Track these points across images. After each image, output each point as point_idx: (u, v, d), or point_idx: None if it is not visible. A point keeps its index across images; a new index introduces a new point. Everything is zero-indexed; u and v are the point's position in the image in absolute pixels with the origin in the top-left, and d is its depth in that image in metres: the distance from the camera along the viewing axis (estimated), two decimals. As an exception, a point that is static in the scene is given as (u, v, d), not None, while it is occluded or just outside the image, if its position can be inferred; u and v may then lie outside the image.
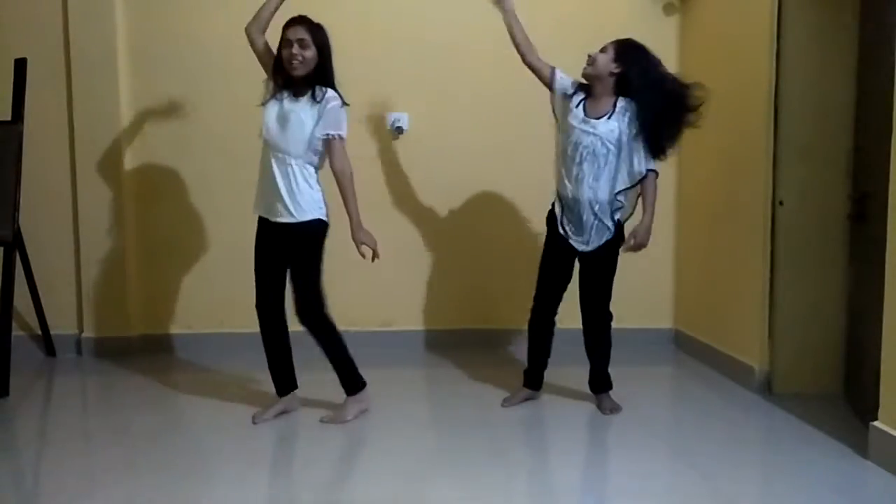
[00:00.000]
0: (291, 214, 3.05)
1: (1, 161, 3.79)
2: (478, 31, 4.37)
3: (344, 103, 3.08)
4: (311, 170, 3.10)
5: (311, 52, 3.03)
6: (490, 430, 3.15)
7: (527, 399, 3.46)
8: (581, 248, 3.23)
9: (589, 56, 3.15)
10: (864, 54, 3.31)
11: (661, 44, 4.41)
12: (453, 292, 4.52)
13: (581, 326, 3.34)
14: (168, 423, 3.22)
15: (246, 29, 3.16)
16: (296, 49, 3.01)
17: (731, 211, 3.90)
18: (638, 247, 3.18)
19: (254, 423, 3.16)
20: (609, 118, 3.12)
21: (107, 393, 3.76)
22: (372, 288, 4.38)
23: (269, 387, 3.31)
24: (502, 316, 4.42)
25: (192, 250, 4.39)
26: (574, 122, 3.16)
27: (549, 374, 3.50)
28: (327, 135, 3.04)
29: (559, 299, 3.35)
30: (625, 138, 3.11)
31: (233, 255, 4.38)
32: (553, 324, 3.40)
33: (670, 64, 4.44)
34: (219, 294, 4.40)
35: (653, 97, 3.08)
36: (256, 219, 3.21)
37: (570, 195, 3.18)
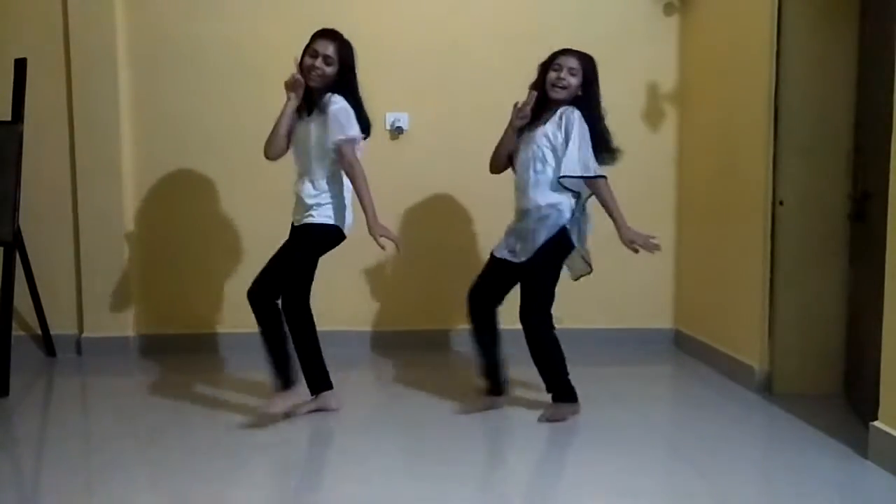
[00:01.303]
0: (313, 217, 3.11)
1: (1, 161, 3.79)
2: (478, 30, 4.38)
3: (364, 124, 3.10)
4: (334, 179, 3.14)
5: (332, 69, 3.08)
6: (487, 431, 3.15)
7: (488, 408, 3.32)
8: (518, 259, 3.18)
9: (561, 80, 3.10)
10: (864, 54, 3.31)
11: (661, 44, 4.44)
12: (454, 292, 4.50)
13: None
14: (167, 423, 3.21)
15: (266, 155, 3.20)
16: (318, 62, 3.06)
17: (731, 211, 3.89)
18: (644, 246, 3.07)
19: (263, 412, 3.13)
20: (544, 124, 3.13)
21: (107, 393, 3.76)
22: (371, 288, 4.38)
23: (269, 387, 3.30)
24: (503, 316, 4.41)
25: (192, 250, 4.39)
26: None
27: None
28: (336, 142, 3.05)
29: (493, 298, 3.33)
30: (558, 141, 3.08)
31: (232, 254, 4.39)
32: (492, 322, 3.37)
33: (670, 64, 4.48)
34: (219, 294, 4.40)
35: (595, 114, 3.13)
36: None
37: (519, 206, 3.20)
